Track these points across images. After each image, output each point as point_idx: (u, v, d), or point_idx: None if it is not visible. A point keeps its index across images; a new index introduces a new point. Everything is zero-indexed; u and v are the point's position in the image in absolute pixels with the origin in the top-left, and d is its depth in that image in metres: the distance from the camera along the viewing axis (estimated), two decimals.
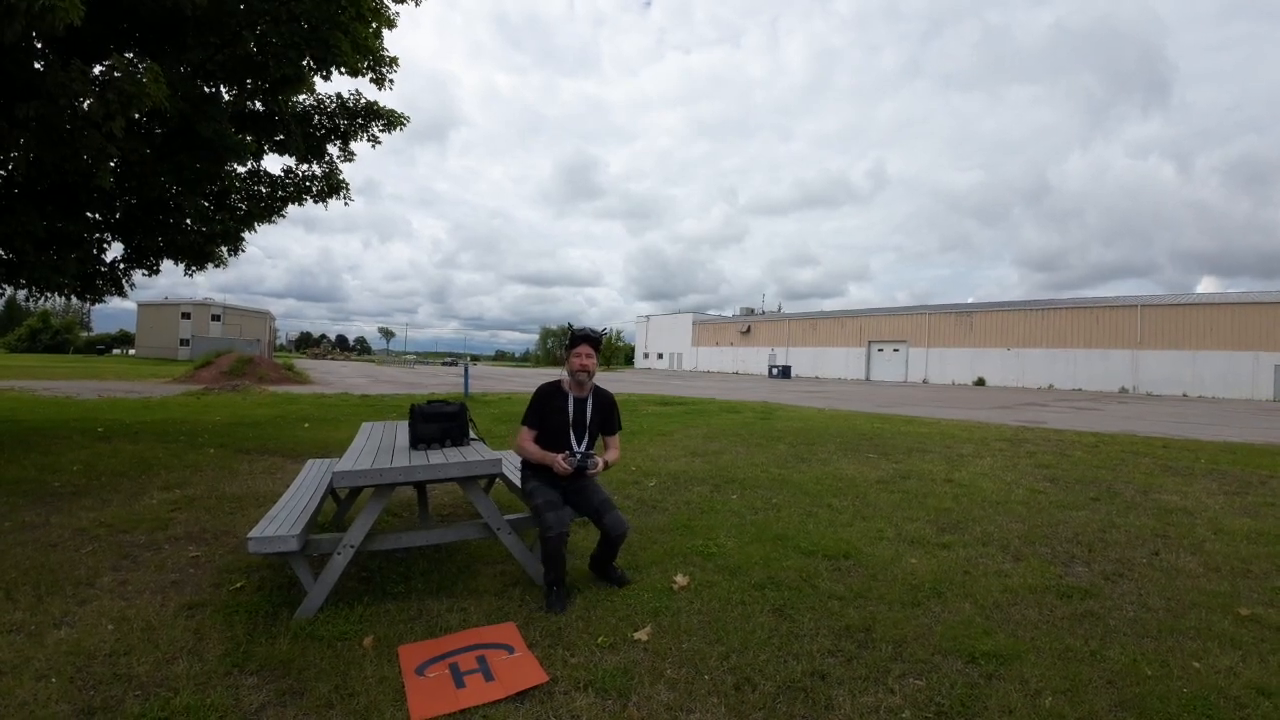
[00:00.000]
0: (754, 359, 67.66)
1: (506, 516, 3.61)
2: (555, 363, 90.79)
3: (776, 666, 2.70)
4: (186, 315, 72.38)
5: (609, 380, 37.12)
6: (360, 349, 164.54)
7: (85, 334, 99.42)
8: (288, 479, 6.21)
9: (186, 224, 8.59)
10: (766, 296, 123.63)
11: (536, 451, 3.60)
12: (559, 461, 3.48)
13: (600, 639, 2.92)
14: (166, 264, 9.61)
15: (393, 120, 9.78)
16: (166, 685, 2.51)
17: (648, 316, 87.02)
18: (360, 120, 9.64)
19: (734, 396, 22.01)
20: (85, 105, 5.62)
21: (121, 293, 9.74)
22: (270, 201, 9.47)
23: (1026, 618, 3.27)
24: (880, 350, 58.22)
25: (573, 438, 3.63)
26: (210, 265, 9.90)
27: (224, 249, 9.48)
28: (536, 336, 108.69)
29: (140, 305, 77.64)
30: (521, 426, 3.72)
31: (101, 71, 5.91)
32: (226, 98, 8.19)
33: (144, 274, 9.30)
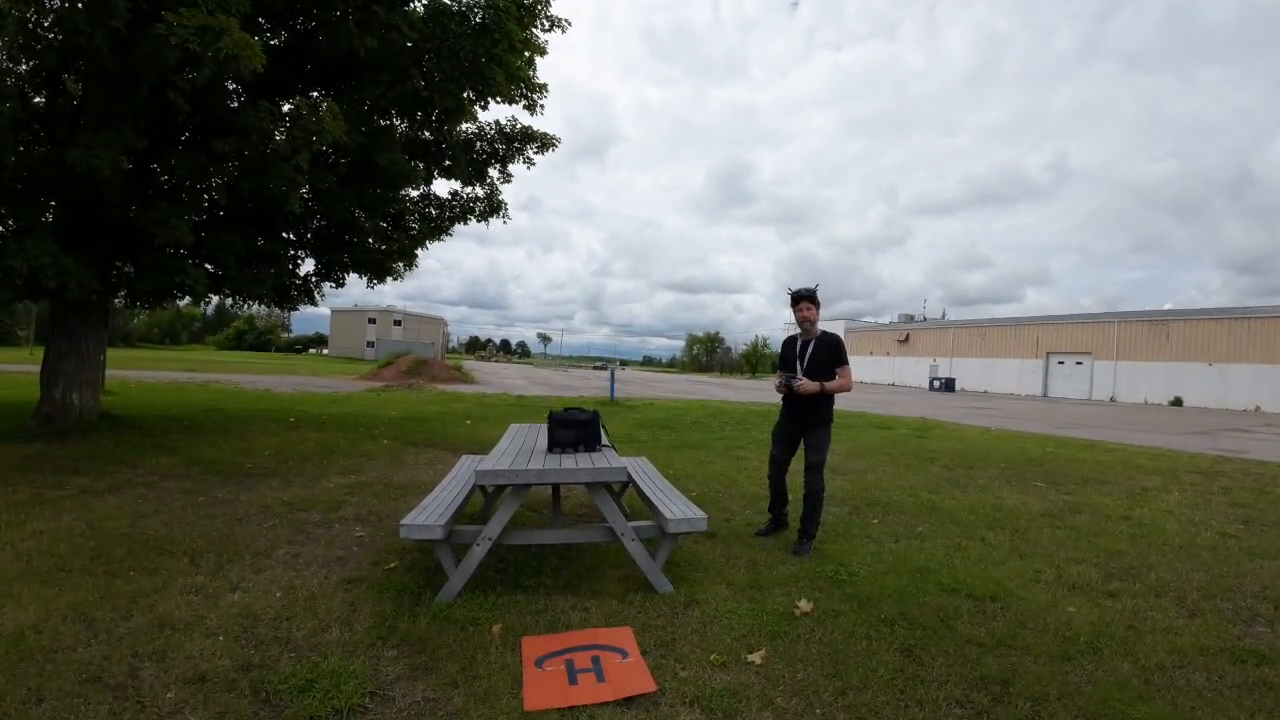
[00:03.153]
0: (913, 370, 63.66)
1: (632, 523, 3.72)
2: (700, 369, 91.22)
3: (895, 711, 2.55)
4: (372, 320, 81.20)
5: (750, 388, 36.69)
6: (521, 352, 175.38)
7: (285, 335, 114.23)
8: (445, 471, 6.77)
9: (369, 243, 9.67)
10: (928, 303, 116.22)
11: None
12: (775, 383, 4.91)
13: (713, 656, 2.91)
14: (350, 277, 10.88)
15: (545, 143, 10.37)
16: (318, 650, 2.84)
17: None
18: (517, 144, 10.32)
19: (889, 411, 20.89)
20: (276, 139, 6.52)
21: (313, 302, 11.10)
22: (440, 222, 10.40)
23: (1191, 683, 2.84)
24: (1060, 363, 52.45)
25: (798, 368, 4.69)
26: (390, 279, 11.03)
27: (400, 264, 10.53)
28: (683, 343, 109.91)
29: (333, 311, 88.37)
30: None
31: (289, 110, 6.80)
32: (400, 129, 9.14)
33: (332, 286, 10.58)
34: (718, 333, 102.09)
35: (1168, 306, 51.39)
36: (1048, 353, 53.28)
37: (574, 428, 4.01)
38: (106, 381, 18.15)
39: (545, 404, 16.57)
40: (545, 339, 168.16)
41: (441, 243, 10.50)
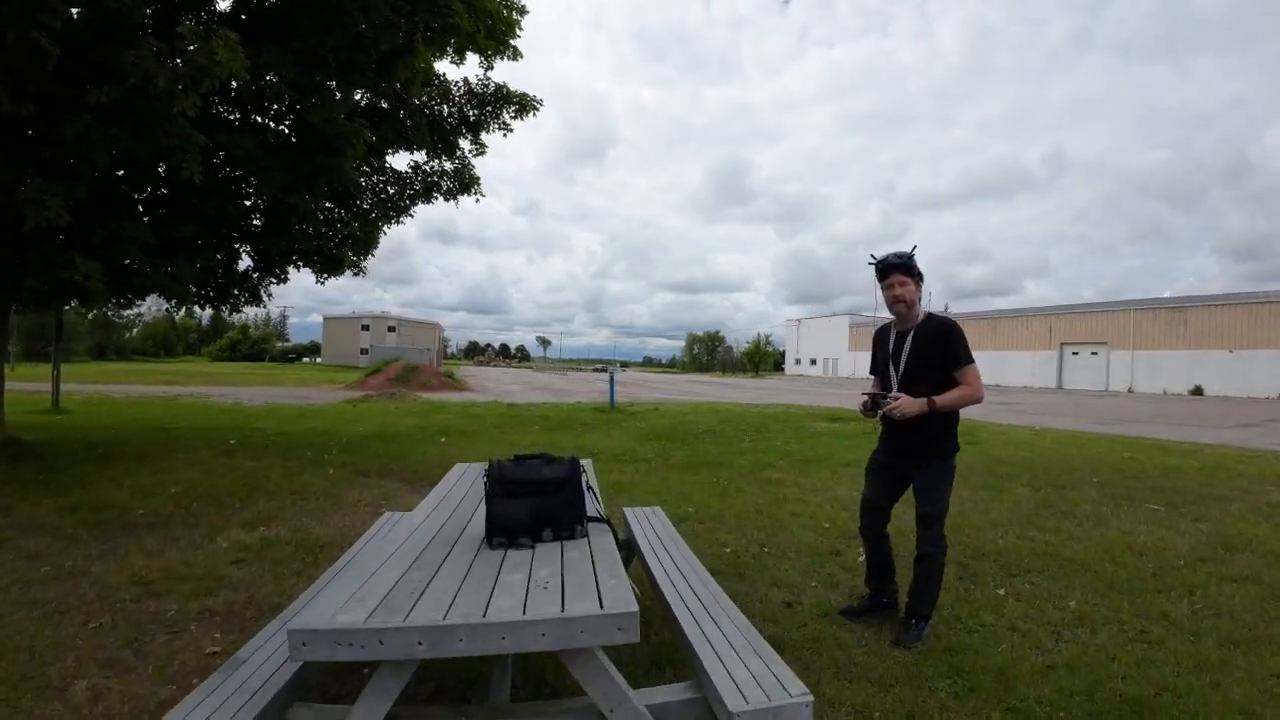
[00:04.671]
0: None
1: (642, 691, 1.94)
2: (701, 369, 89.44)
3: None
4: (366, 327, 79.36)
5: (757, 388, 34.97)
6: (521, 356, 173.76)
7: (280, 344, 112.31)
8: (394, 508, 5.14)
9: (311, 227, 7.99)
10: (933, 296, 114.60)
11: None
12: (858, 404, 3.26)
13: None
14: (314, 273, 9.19)
15: (525, 105, 8.70)
16: None
17: (799, 320, 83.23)
18: (490, 108, 8.66)
19: None
20: (159, 84, 4.86)
21: (257, 301, 9.43)
22: (399, 200, 8.73)
23: None
24: (1075, 354, 50.73)
25: (893, 376, 3.20)
26: (346, 272, 9.35)
27: (353, 254, 8.85)
28: (683, 343, 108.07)
29: (326, 318, 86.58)
30: None
31: (172, 44, 5.14)
32: (355, 99, 7.46)
33: (274, 282, 8.90)
34: (718, 332, 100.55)
35: (1167, 294, 49.67)
36: (1061, 344, 51.61)
37: (536, 494, 2.22)
38: (64, 398, 16.67)
39: (540, 413, 14.87)
40: (545, 342, 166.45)
41: (400, 224, 8.81)
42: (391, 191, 8.59)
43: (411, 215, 8.87)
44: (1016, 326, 55.98)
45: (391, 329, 79.40)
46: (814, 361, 77.10)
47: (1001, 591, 3.78)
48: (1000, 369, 54.31)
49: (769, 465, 7.93)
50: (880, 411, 3.06)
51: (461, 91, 8.43)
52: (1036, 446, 10.33)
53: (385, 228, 8.81)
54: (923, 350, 3.08)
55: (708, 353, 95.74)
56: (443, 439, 9.81)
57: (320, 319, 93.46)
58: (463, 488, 3.14)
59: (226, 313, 10.01)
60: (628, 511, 3.69)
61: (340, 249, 8.45)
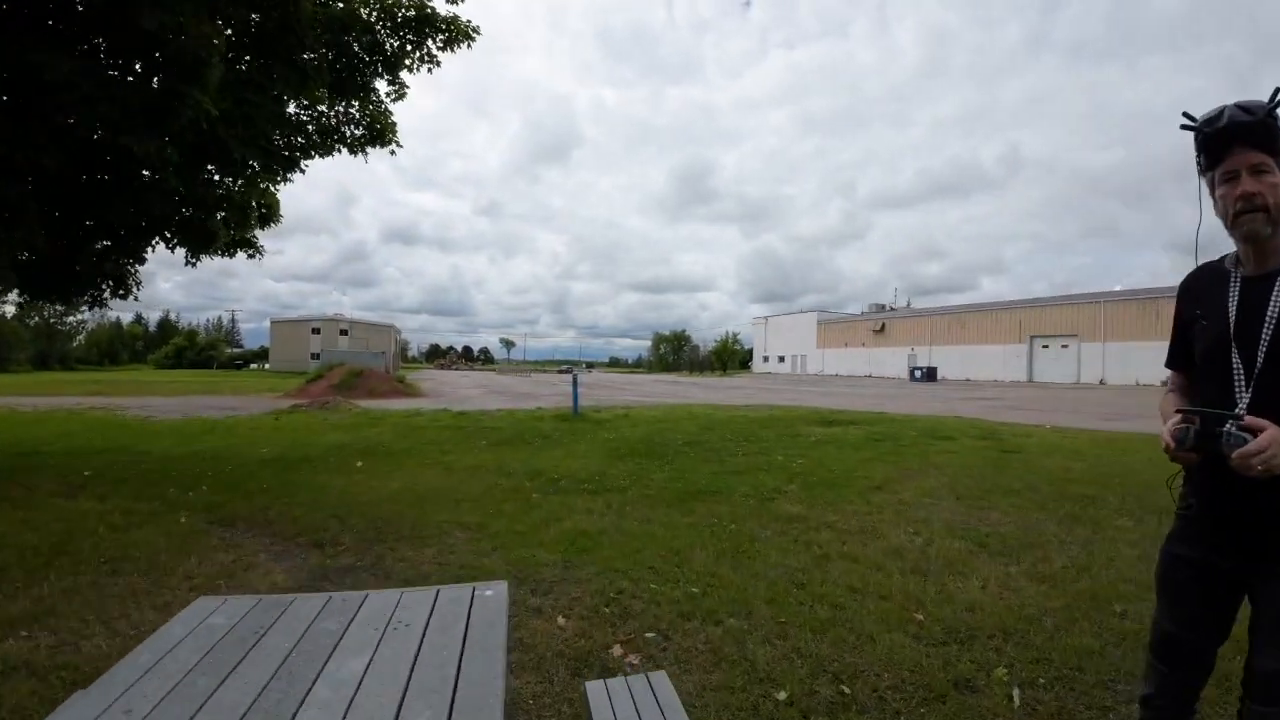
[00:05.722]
0: (890, 360, 61.25)
1: None
2: (668, 368, 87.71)
3: None
4: (316, 330, 75.57)
5: (728, 387, 33.37)
6: (484, 359, 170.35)
7: (229, 350, 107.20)
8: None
9: (161, 185, 5.89)
10: (898, 292, 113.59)
11: (1163, 415, 1.56)
12: (1164, 435, 1.45)
13: None
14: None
15: (456, 32, 6.73)
16: None
17: (766, 317, 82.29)
18: (411, 37, 6.68)
19: (896, 408, 17.69)
20: None
21: (125, 291, 7.30)
22: (290, 151, 6.69)
23: None
24: (1045, 347, 50.48)
25: (1237, 374, 1.45)
26: (222, 253, 7.26)
27: (227, 225, 6.77)
28: (649, 343, 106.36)
29: (273, 322, 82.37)
30: None
31: None
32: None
33: (131, 264, 6.77)
34: (684, 331, 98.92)
35: (1117, 289, 50.08)
36: (1031, 336, 51.38)
37: None
38: None
39: (492, 424, 12.84)
40: (509, 344, 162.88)
41: (289, 183, 6.77)
42: (278, 140, 6.52)
43: (302, 171, 6.83)
44: (984, 321, 55.67)
45: (344, 332, 75.87)
46: (782, 359, 76.12)
47: None
48: (969, 363, 54.02)
49: (778, 493, 6.12)
50: (1222, 450, 1.36)
51: (375, 11, 6.43)
52: (1082, 453, 8.74)
53: (273, 188, 6.75)
54: None
55: (674, 352, 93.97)
56: (360, 464, 7.76)
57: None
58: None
59: (88, 307, 7.83)
60: (591, 691, 1.78)
61: (211, 218, 6.37)
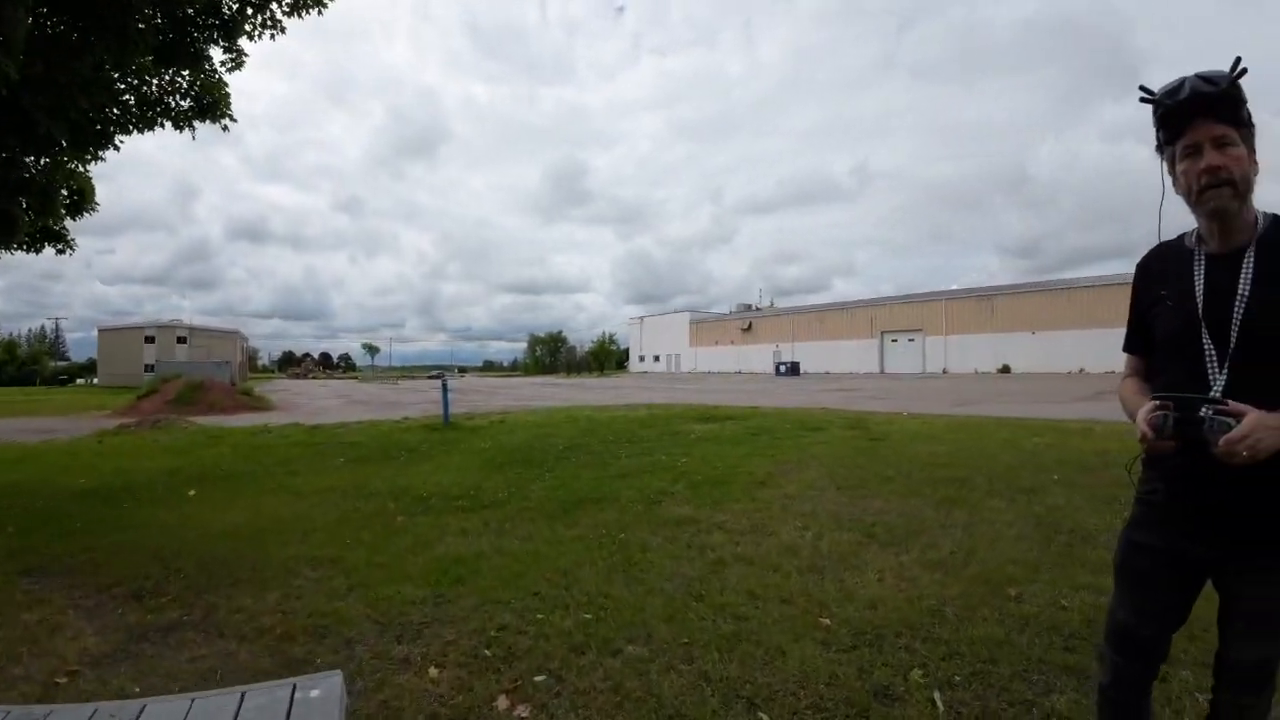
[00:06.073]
0: (757, 357, 64.06)
1: None
2: (544, 370, 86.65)
3: None
4: (150, 339, 67.33)
5: (606, 388, 33.34)
6: (345, 366, 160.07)
7: (54, 364, 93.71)
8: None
9: None
10: (762, 292, 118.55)
11: (1128, 403, 1.54)
12: (1139, 422, 1.36)
13: None
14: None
15: None
16: None
17: (641, 318, 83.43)
18: None
19: (767, 402, 18.26)
20: None
21: None
22: (103, 125, 5.61)
23: None
24: (894, 341, 54.78)
25: (1209, 356, 1.37)
26: (26, 248, 6.03)
27: (37, 211, 5.59)
28: (524, 345, 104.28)
29: (101, 331, 72.47)
30: None
31: None
32: None
33: None
34: (560, 332, 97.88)
35: (955, 287, 55.83)
36: (882, 331, 55.49)
37: None
38: None
39: (351, 439, 11.79)
40: (372, 349, 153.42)
41: (101, 161, 5.71)
42: (85, 111, 5.41)
43: (116, 148, 5.77)
44: (840, 318, 59.53)
45: (182, 340, 68.25)
46: (658, 358, 77.47)
47: None
48: (828, 358, 57.58)
49: (666, 494, 5.90)
50: (1207, 438, 1.28)
51: None
52: (942, 438, 9.26)
53: (82, 168, 5.64)
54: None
55: (550, 354, 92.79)
56: (192, 493, 6.71)
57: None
58: None
59: None
60: None
61: (11, 203, 5.19)
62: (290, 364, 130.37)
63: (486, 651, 2.75)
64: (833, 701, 2.31)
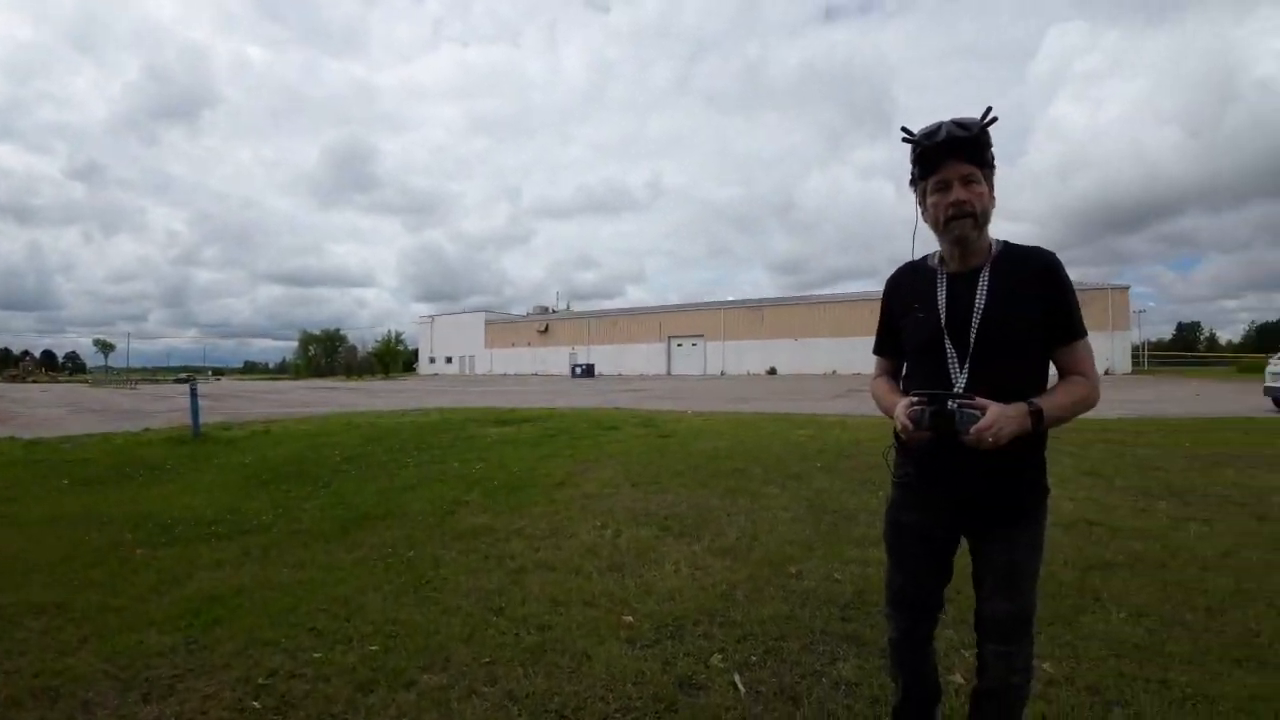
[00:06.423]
0: (554, 359, 64.52)
1: None
2: (320, 373, 79.20)
3: None
4: None
5: (392, 391, 31.38)
6: (72, 367, 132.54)
7: None
8: None
9: None
10: (559, 296, 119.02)
11: (881, 399, 1.81)
12: (899, 416, 1.58)
13: None
14: None
15: None
16: None
17: (432, 317, 79.62)
18: None
19: (567, 403, 18.38)
20: None
21: None
22: None
23: None
24: (680, 345, 58.50)
25: (951, 359, 1.60)
26: None
27: None
28: (296, 343, 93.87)
29: None
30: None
31: None
32: None
33: None
34: (339, 330, 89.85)
35: (731, 299, 62.13)
36: (669, 336, 58.94)
37: None
38: None
39: (75, 454, 9.69)
40: (106, 347, 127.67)
41: None
42: None
43: None
44: (632, 323, 62.16)
45: None
46: (449, 360, 74.54)
47: None
48: (620, 360, 59.93)
49: (459, 504, 5.60)
50: (959, 428, 1.48)
51: None
52: (723, 433, 9.95)
53: None
54: (1010, 305, 1.58)
55: (327, 354, 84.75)
56: None
57: None
58: None
59: None
60: None
61: None
62: (5, 365, 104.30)
63: (255, 703, 2.34)
64: (641, 700, 2.31)
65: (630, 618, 3.00)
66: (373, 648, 2.76)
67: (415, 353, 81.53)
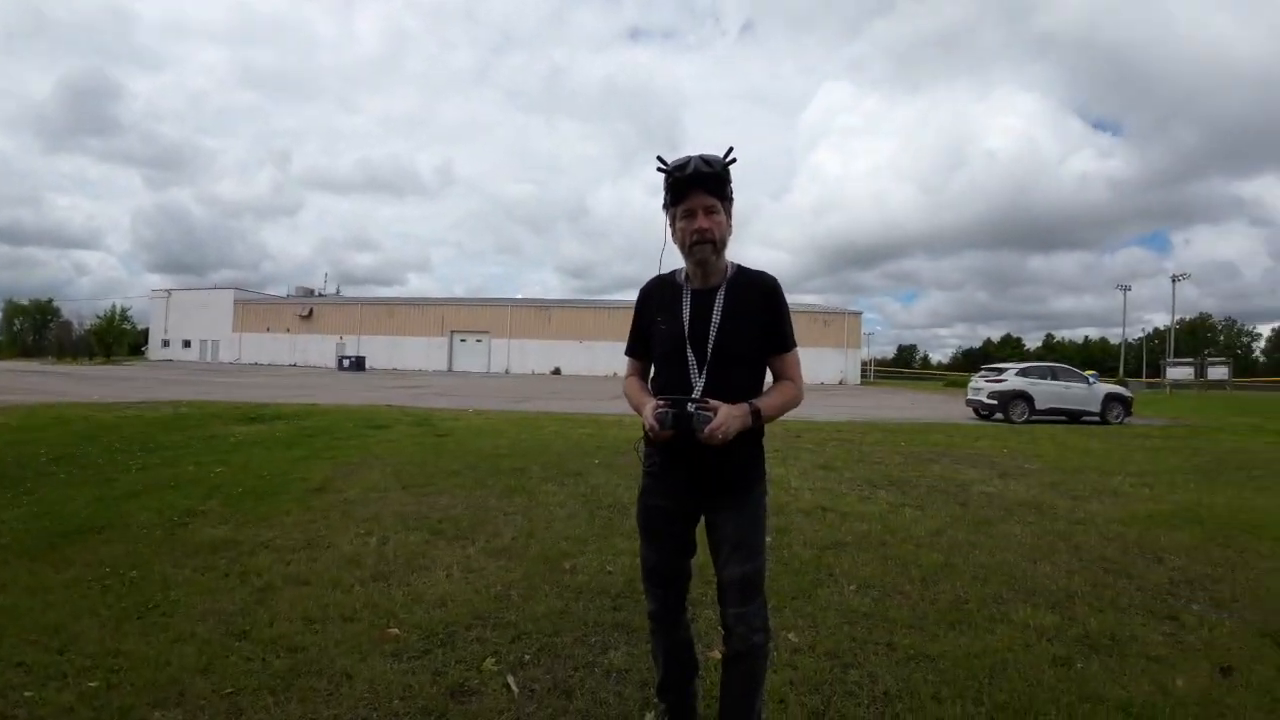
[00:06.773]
0: (318, 348, 58.38)
1: None
2: (26, 352, 64.15)
3: None
4: None
5: (113, 379, 26.46)
6: None
7: None
8: None
9: None
10: (328, 278, 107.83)
11: (633, 398, 2.01)
12: (646, 417, 1.79)
13: None
14: None
15: None
16: None
17: (169, 291, 67.87)
18: None
19: (331, 398, 16.90)
20: None
21: None
22: None
23: None
24: (463, 340, 56.40)
25: (692, 365, 1.86)
26: None
27: None
28: None
29: None
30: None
31: None
32: None
33: None
34: (51, 300, 73.17)
35: (519, 297, 62.17)
36: (452, 331, 56.57)
37: None
38: None
39: None
40: None
41: None
42: None
43: None
44: (412, 314, 58.65)
45: None
46: (188, 344, 64.07)
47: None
48: (396, 353, 55.92)
49: (194, 514, 4.86)
50: (695, 428, 1.72)
51: None
52: (503, 432, 9.87)
53: None
54: (740, 320, 1.87)
55: (36, 330, 68.58)
56: None
57: None
58: None
59: None
60: None
61: None
62: None
63: None
64: (409, 715, 2.23)
65: (396, 629, 2.85)
66: (92, 684, 2.34)
67: (145, 333, 68.99)
